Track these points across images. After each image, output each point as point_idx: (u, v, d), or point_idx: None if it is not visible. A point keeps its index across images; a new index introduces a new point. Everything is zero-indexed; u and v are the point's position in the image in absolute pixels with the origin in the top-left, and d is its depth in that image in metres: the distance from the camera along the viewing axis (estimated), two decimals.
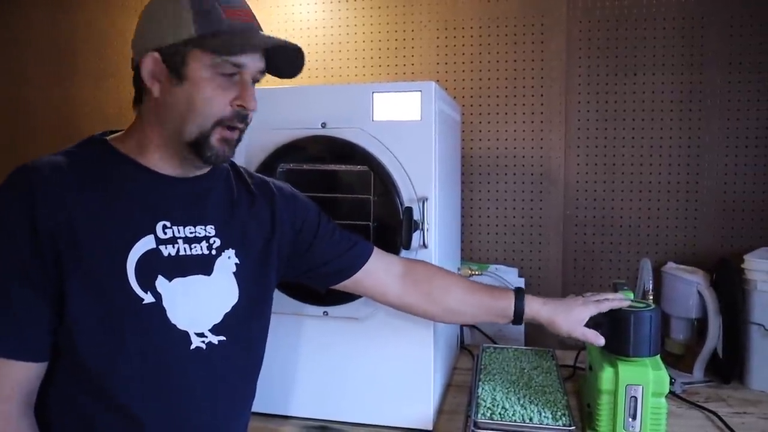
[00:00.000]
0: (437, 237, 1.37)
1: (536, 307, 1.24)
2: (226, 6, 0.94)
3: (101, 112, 2.39)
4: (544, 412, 1.31)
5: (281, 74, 1.04)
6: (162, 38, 0.93)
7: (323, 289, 1.27)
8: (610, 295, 1.29)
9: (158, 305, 0.95)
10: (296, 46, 0.99)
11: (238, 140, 1.01)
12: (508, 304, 1.24)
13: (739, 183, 1.90)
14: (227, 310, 1.03)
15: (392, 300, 1.25)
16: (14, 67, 2.47)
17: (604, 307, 1.25)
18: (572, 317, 1.23)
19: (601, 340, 1.24)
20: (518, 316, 1.24)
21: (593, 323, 1.24)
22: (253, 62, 0.96)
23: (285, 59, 1.01)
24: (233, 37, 0.93)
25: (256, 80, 1.00)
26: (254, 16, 0.99)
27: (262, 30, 0.99)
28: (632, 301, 1.31)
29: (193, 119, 0.94)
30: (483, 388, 1.44)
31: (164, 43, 0.93)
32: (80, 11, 2.38)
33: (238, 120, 0.97)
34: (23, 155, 2.43)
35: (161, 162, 0.99)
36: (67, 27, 2.40)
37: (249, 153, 1.37)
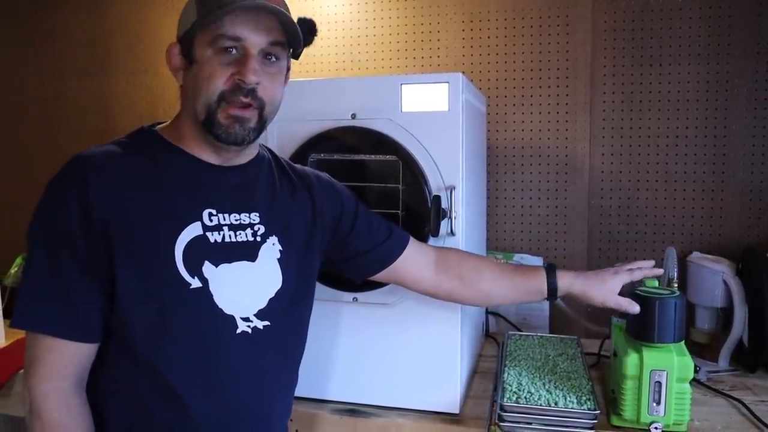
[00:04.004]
0: (464, 225, 1.39)
1: (569, 281, 1.25)
2: None
3: (134, 106, 2.44)
4: (569, 397, 1.33)
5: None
6: (180, 30, 1.00)
7: (359, 279, 1.29)
8: (643, 263, 1.30)
9: (205, 290, 0.97)
10: (276, 8, 0.95)
11: (260, 123, 1.00)
12: (541, 280, 1.26)
13: (765, 172, 1.89)
14: (271, 296, 1.06)
15: (427, 287, 1.27)
16: (50, 62, 2.53)
17: (637, 276, 1.26)
18: (606, 287, 1.24)
19: (636, 307, 1.24)
20: (552, 292, 1.25)
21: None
22: (253, 35, 0.96)
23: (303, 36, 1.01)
24: (219, 9, 0.93)
25: (269, 56, 0.99)
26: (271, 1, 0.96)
27: (275, 10, 0.95)
28: (657, 288, 1.33)
29: (200, 97, 0.97)
30: (509, 373, 1.47)
31: (180, 33, 1.00)
32: (112, 8, 2.43)
33: (242, 94, 0.96)
34: (59, 147, 2.52)
35: (198, 149, 1.02)
36: (100, 24, 2.45)
37: (281, 143, 1.41)
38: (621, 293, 1.26)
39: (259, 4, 0.94)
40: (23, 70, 2.58)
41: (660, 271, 1.28)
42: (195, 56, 0.98)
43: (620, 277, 1.25)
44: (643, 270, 1.27)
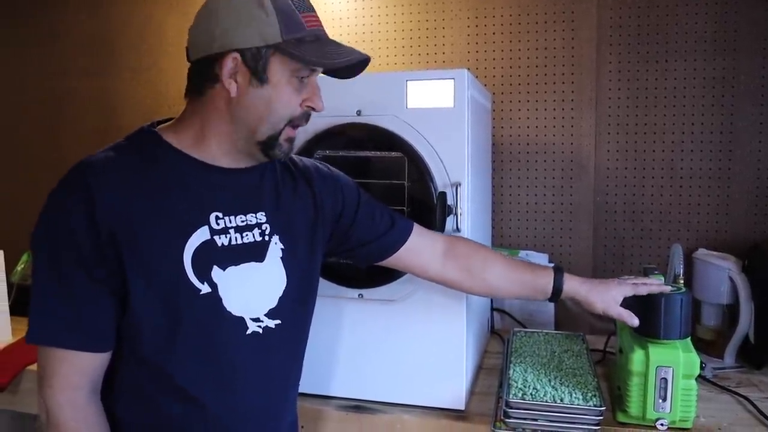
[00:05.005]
0: (470, 222, 1.39)
1: (574, 285, 1.26)
2: (303, 12, 0.96)
3: (139, 103, 2.45)
4: (575, 393, 1.33)
5: (337, 75, 1.07)
6: (246, 40, 0.92)
7: (364, 266, 1.29)
8: (649, 281, 1.30)
9: (214, 295, 0.97)
10: (368, 58, 1.04)
11: None
12: (548, 281, 1.26)
13: None
14: (280, 294, 1.05)
15: (433, 275, 1.27)
16: (54, 61, 2.54)
17: (642, 291, 1.26)
18: (608, 296, 1.25)
19: (635, 320, 1.25)
20: (556, 293, 1.26)
21: (625, 304, 1.26)
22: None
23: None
24: (320, 48, 0.97)
25: None
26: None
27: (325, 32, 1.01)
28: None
29: (269, 120, 0.97)
30: (514, 370, 1.46)
31: (248, 45, 0.92)
32: (115, 7, 2.43)
33: (305, 119, 1.02)
34: (60, 147, 2.53)
35: (219, 155, 1.00)
36: (105, 21, 2.46)
37: None
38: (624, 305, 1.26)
39: (365, 58, 1.05)
40: (24, 70, 2.58)
41: (666, 288, 1.28)
42: (269, 77, 0.95)
43: (624, 289, 1.26)
44: (649, 286, 1.27)
